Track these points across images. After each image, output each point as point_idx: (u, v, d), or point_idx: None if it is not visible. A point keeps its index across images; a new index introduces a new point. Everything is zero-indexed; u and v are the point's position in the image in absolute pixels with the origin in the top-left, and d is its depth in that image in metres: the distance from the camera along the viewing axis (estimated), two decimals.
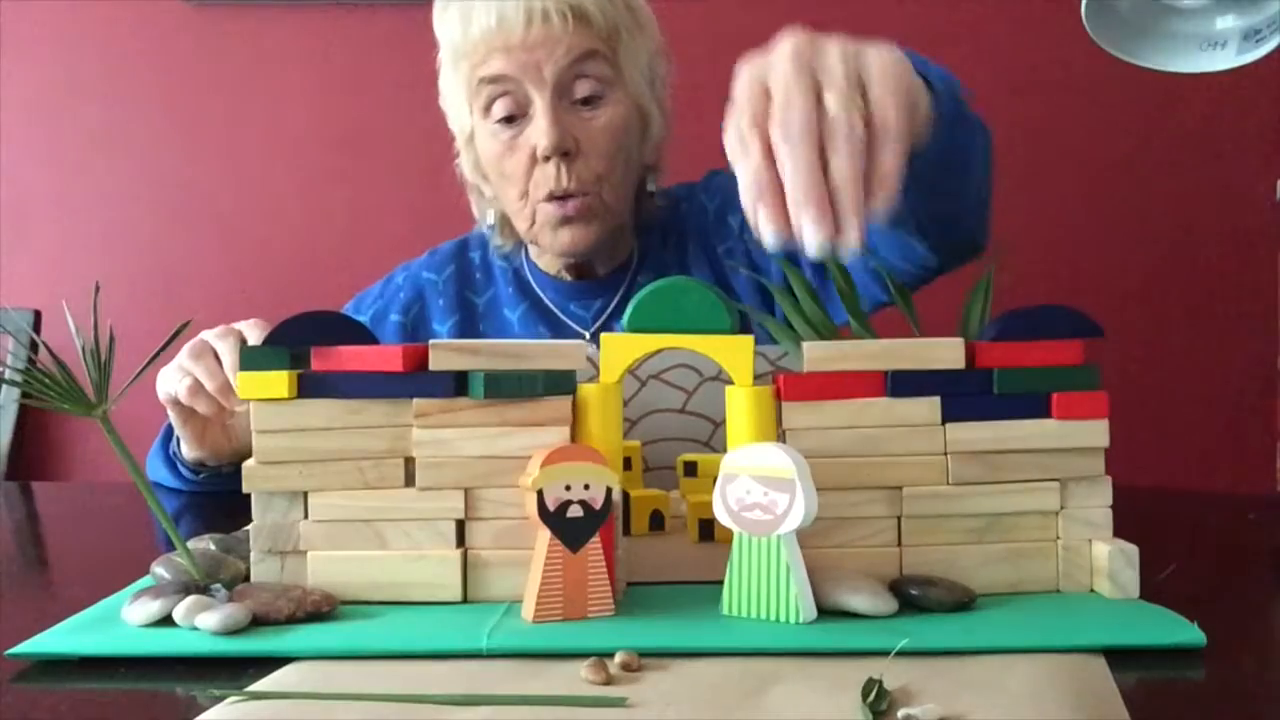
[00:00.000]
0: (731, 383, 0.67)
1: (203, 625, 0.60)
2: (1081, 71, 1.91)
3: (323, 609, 0.63)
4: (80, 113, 2.01)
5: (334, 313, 0.69)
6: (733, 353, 0.67)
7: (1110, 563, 0.65)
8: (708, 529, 0.81)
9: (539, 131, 1.11)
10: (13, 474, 1.84)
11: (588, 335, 1.23)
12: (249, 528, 0.67)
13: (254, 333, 1.02)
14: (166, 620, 0.61)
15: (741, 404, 0.66)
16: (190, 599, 0.62)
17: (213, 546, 0.71)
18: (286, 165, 2.00)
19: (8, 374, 0.68)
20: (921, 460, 0.67)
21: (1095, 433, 0.67)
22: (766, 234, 0.62)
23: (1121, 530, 0.68)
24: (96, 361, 0.63)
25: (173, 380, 1.03)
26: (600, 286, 1.24)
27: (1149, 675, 0.56)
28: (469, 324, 1.26)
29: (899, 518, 0.67)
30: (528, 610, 0.62)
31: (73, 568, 0.88)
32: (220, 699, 0.52)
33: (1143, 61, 0.83)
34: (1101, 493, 0.68)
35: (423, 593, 0.66)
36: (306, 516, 0.66)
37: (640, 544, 0.81)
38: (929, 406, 0.67)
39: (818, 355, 0.67)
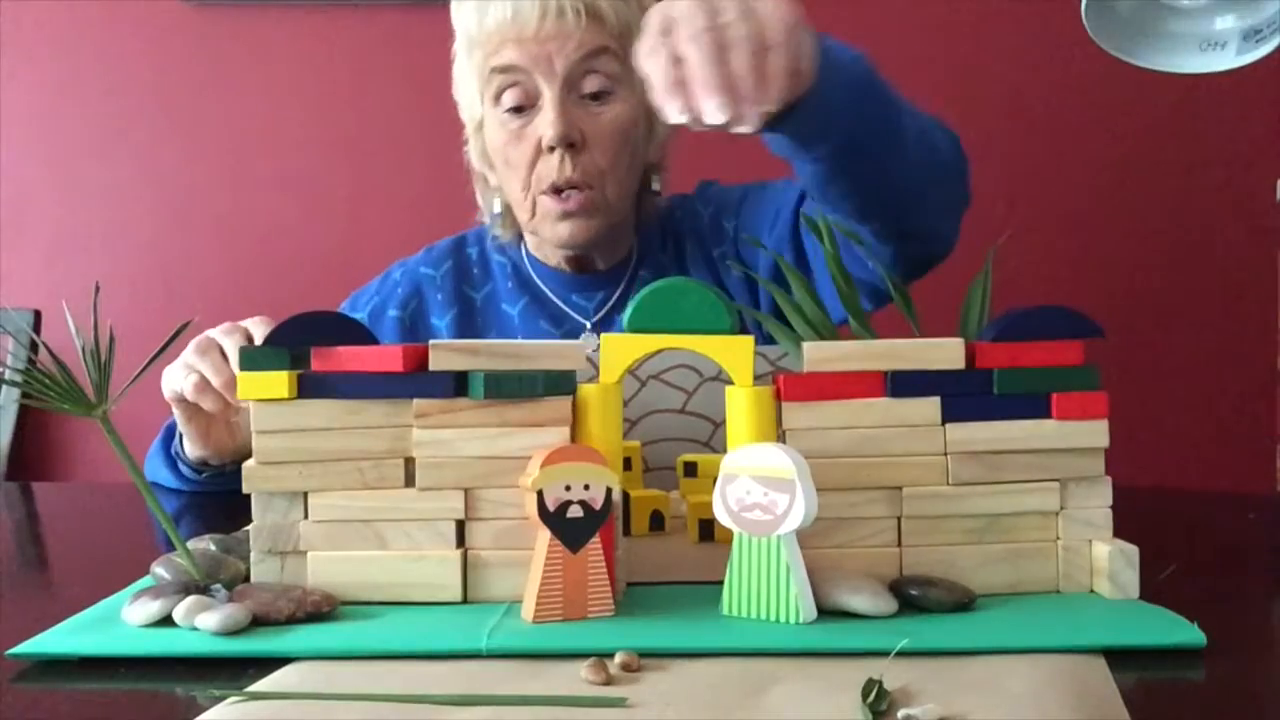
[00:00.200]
0: (731, 383, 0.67)
1: (203, 625, 0.60)
2: (1081, 71, 1.91)
3: (323, 609, 0.63)
4: (80, 113, 2.01)
5: (334, 313, 0.69)
6: (733, 353, 0.67)
7: (1110, 563, 0.65)
8: (708, 529, 0.81)
9: (546, 122, 1.12)
10: (13, 474, 1.84)
11: (589, 325, 1.24)
12: (249, 528, 0.67)
13: (259, 329, 1.03)
14: (166, 620, 0.61)
15: (741, 404, 0.66)
16: (190, 599, 0.62)
17: (213, 547, 0.71)
18: (286, 165, 2.00)
19: (8, 374, 0.68)
20: (921, 460, 0.67)
21: (1095, 433, 0.67)
22: (674, 115, 0.76)
23: (1121, 530, 0.68)
24: (96, 361, 0.63)
25: (178, 377, 1.03)
26: (602, 279, 1.25)
27: (1149, 675, 0.56)
28: (467, 319, 1.27)
29: (899, 518, 0.67)
30: (528, 610, 0.62)
31: (73, 568, 0.88)
32: (220, 699, 0.52)
33: (1143, 61, 0.83)
34: (1101, 493, 0.68)
35: (423, 593, 0.66)
36: (306, 517, 0.66)
37: (640, 544, 0.81)
38: (929, 407, 0.67)
39: (818, 355, 0.67)
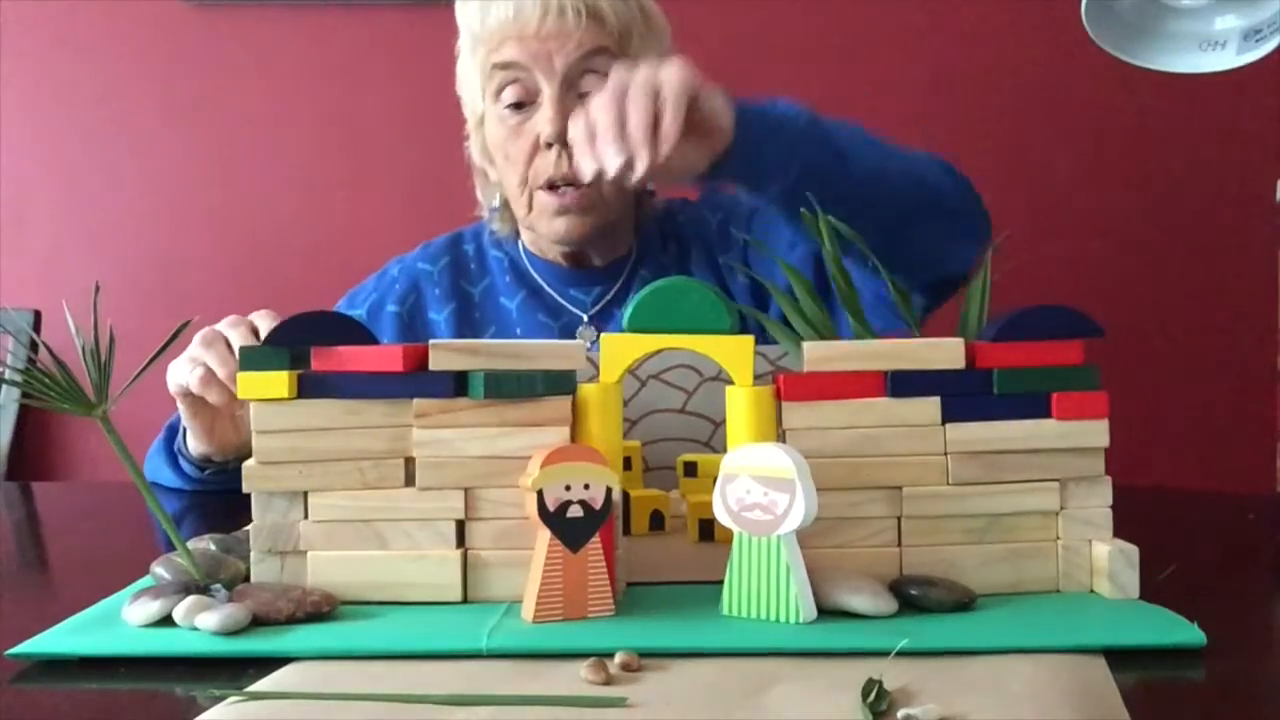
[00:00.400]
0: (731, 383, 0.67)
1: (203, 625, 0.60)
2: (1081, 71, 1.90)
3: (323, 609, 0.63)
4: (80, 113, 2.00)
5: (334, 313, 0.69)
6: (733, 353, 0.67)
7: (1110, 563, 0.65)
8: (708, 529, 0.81)
9: (544, 119, 1.14)
10: (13, 474, 1.84)
11: (586, 318, 1.25)
12: (249, 528, 0.67)
13: (264, 322, 1.03)
14: (166, 620, 0.61)
15: (741, 404, 0.66)
16: (190, 599, 0.62)
17: (213, 546, 0.71)
18: (286, 165, 2.00)
19: (8, 374, 0.68)
20: (921, 460, 0.67)
21: (1095, 433, 0.67)
22: (585, 165, 0.90)
23: (1121, 530, 0.68)
24: (96, 361, 0.63)
25: (183, 371, 1.03)
26: (599, 275, 1.26)
27: (1149, 675, 0.56)
28: (465, 313, 1.27)
29: (899, 518, 0.67)
30: (528, 610, 0.62)
31: (73, 568, 0.88)
32: (220, 699, 0.52)
33: (1143, 61, 0.83)
34: (1101, 493, 0.68)
35: (423, 593, 0.66)
36: (306, 516, 0.66)
37: (640, 544, 0.81)
38: (929, 406, 0.67)
39: (818, 355, 0.67)
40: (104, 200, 2.01)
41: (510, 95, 1.16)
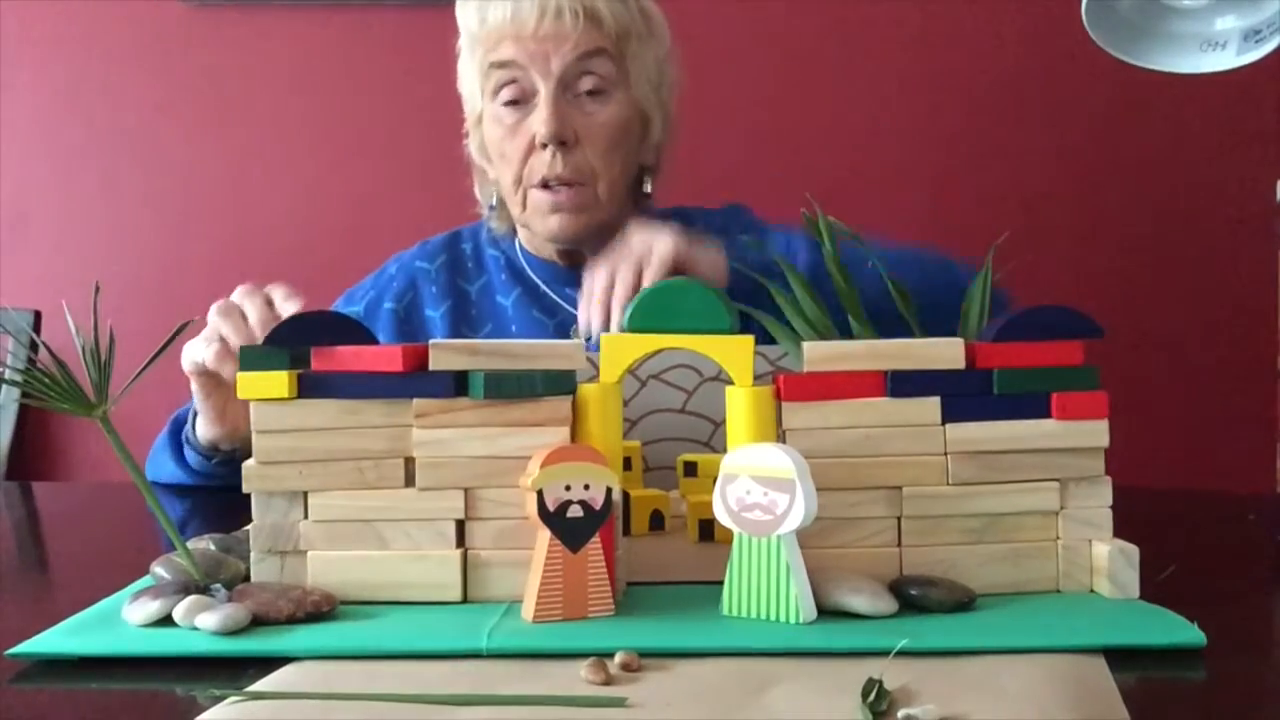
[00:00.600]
0: (731, 383, 0.67)
1: (203, 625, 0.60)
2: (1081, 71, 1.90)
3: (323, 609, 0.63)
4: (80, 113, 2.00)
5: (334, 313, 0.69)
6: (732, 353, 0.67)
7: (1110, 563, 0.65)
8: (708, 529, 0.81)
9: (540, 120, 1.15)
10: (13, 474, 1.83)
11: None
12: (249, 528, 0.67)
13: (279, 293, 1.04)
14: (166, 620, 0.62)
15: (741, 404, 0.66)
16: (190, 599, 0.62)
17: (213, 546, 0.71)
18: (286, 165, 2.00)
19: (8, 374, 0.68)
20: (921, 460, 0.67)
21: (1095, 433, 0.67)
22: (581, 319, 1.03)
23: (1121, 530, 0.68)
24: (96, 361, 0.63)
25: (199, 348, 1.03)
26: None
27: (1149, 675, 0.56)
28: (461, 311, 1.28)
29: (899, 518, 0.67)
30: (528, 610, 0.62)
31: (73, 568, 0.88)
32: (220, 699, 0.52)
33: (1143, 61, 0.83)
34: (1101, 493, 0.68)
35: (423, 593, 0.66)
36: (306, 517, 0.66)
37: (640, 544, 0.81)
38: (929, 407, 0.67)
39: (818, 355, 0.67)
40: (104, 200, 2.01)
41: (507, 94, 1.17)
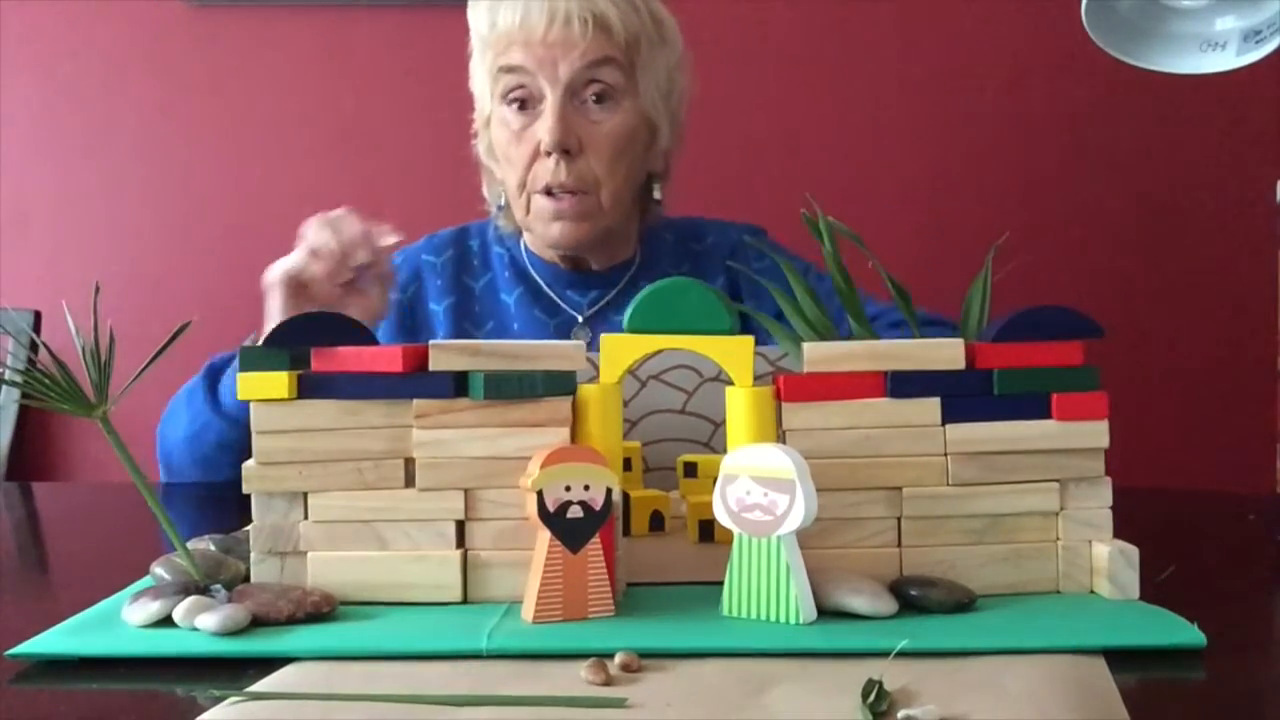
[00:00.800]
0: (731, 383, 0.67)
1: (203, 626, 0.60)
2: (1081, 72, 1.90)
3: (323, 609, 0.63)
4: (80, 113, 2.00)
5: (334, 313, 0.69)
6: (732, 353, 0.67)
7: (1110, 563, 0.65)
8: (708, 530, 0.81)
9: (545, 127, 1.15)
10: (13, 474, 1.83)
11: (581, 319, 1.26)
12: (249, 528, 0.67)
13: (384, 227, 1.07)
14: (166, 621, 0.61)
15: (741, 405, 0.66)
16: (190, 599, 0.62)
17: (213, 547, 0.71)
18: (286, 165, 2.00)
19: (8, 374, 0.68)
20: (921, 461, 0.67)
21: (1095, 433, 0.67)
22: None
23: (1121, 530, 0.68)
24: (96, 361, 0.63)
25: (291, 256, 1.04)
26: (596, 278, 1.27)
27: (1149, 675, 0.56)
28: (464, 307, 1.28)
29: (899, 519, 0.67)
30: (528, 611, 0.62)
31: (73, 568, 0.88)
32: (220, 699, 0.52)
33: (1143, 62, 0.83)
34: (1101, 493, 0.68)
35: (423, 593, 0.66)
36: (306, 517, 0.66)
37: (640, 544, 0.81)
38: (929, 407, 0.67)
39: (818, 356, 0.67)
40: (104, 200, 2.01)
41: (515, 98, 1.17)
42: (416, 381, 0.66)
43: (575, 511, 0.63)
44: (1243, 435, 1.95)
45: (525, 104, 1.17)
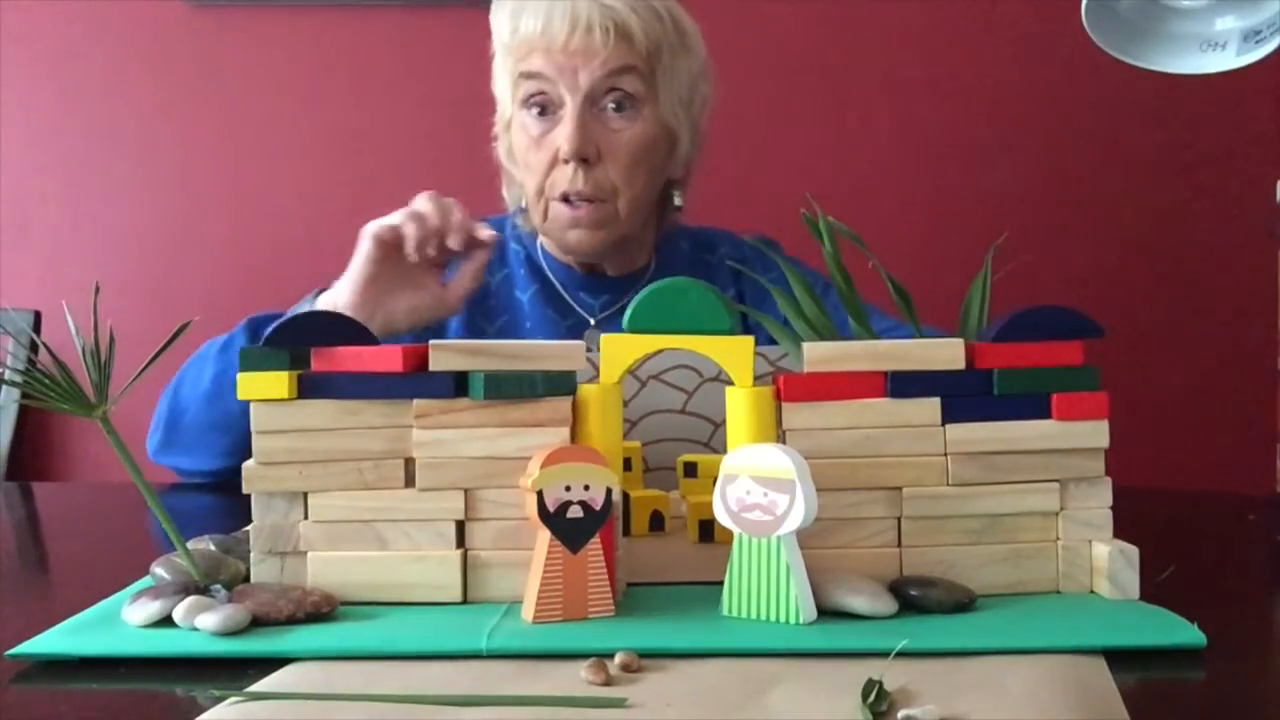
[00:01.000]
0: (731, 383, 0.67)
1: (203, 626, 0.60)
2: (1081, 72, 1.91)
3: (323, 609, 0.63)
4: (80, 113, 2.00)
5: (334, 313, 0.69)
6: (732, 353, 0.67)
7: (1110, 563, 0.65)
8: (708, 530, 0.81)
9: (563, 135, 1.15)
10: (13, 474, 1.83)
11: (593, 322, 1.26)
12: (249, 528, 0.67)
13: (480, 223, 1.09)
14: (166, 621, 0.61)
15: (741, 405, 0.66)
16: (190, 599, 0.62)
17: (213, 547, 0.71)
18: (286, 165, 2.00)
19: (8, 374, 0.68)
20: (921, 461, 0.67)
21: (1095, 433, 0.67)
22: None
23: (1121, 530, 0.68)
24: (96, 361, 0.63)
25: (392, 215, 1.06)
26: (611, 282, 1.27)
27: (1149, 675, 0.56)
28: (479, 300, 1.28)
29: (899, 519, 0.67)
30: (528, 611, 0.62)
31: (73, 568, 0.88)
32: (220, 699, 0.52)
33: (1143, 62, 0.83)
34: (1101, 493, 0.68)
35: (423, 593, 0.66)
36: (306, 517, 0.66)
37: (640, 545, 0.81)
38: (929, 407, 0.67)
39: (818, 356, 0.67)
40: (104, 200, 2.01)
41: (535, 104, 1.17)
42: (416, 381, 0.66)
43: (575, 511, 0.63)
44: (1243, 435, 1.95)
45: (545, 110, 1.17)
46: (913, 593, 0.63)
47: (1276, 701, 0.55)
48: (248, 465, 0.67)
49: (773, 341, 0.82)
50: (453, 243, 1.07)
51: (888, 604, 0.62)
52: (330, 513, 0.66)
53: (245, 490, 0.66)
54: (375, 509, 0.66)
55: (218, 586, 0.64)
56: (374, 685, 0.53)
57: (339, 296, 1.09)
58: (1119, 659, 0.56)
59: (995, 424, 0.67)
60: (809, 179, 1.77)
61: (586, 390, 0.67)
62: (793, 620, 0.61)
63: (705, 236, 1.33)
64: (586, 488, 0.63)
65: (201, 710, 0.51)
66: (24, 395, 0.64)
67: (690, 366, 0.99)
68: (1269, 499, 1.45)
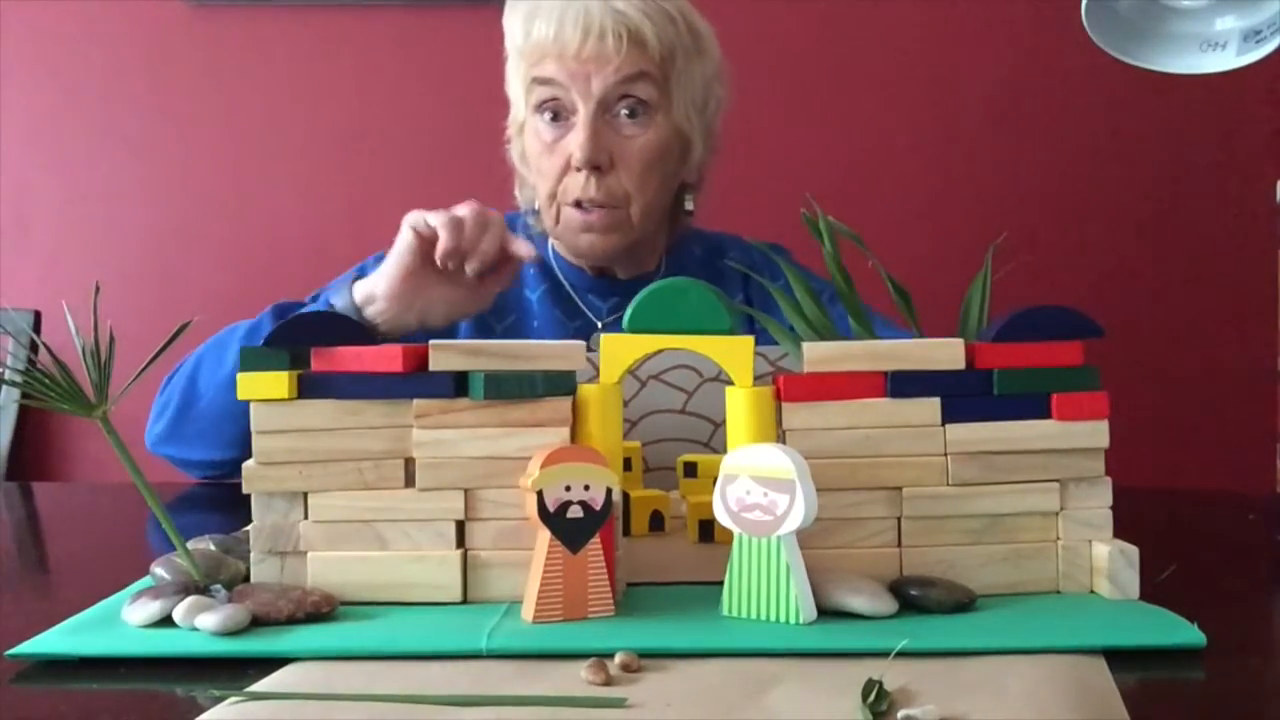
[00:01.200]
0: (731, 383, 0.67)
1: (203, 626, 0.60)
2: (1082, 72, 1.90)
3: (323, 609, 0.63)
4: (80, 113, 2.00)
5: (334, 313, 0.69)
6: (732, 353, 0.67)
7: (1110, 563, 0.65)
8: (708, 530, 0.81)
9: (576, 143, 1.15)
10: (13, 474, 1.83)
11: (601, 325, 1.26)
12: (249, 528, 0.67)
13: (521, 238, 1.07)
14: (166, 621, 0.61)
15: (741, 405, 0.66)
16: (190, 599, 0.62)
17: (213, 547, 0.71)
18: (286, 165, 2.00)
19: (8, 374, 0.68)
20: (921, 461, 0.67)
21: (1095, 433, 0.67)
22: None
23: (1121, 530, 0.68)
24: (96, 361, 0.63)
25: (436, 213, 1.04)
26: (620, 285, 1.27)
27: (1149, 675, 0.56)
28: None
29: (899, 518, 0.67)
30: (528, 611, 0.62)
31: (73, 568, 0.88)
32: (220, 699, 0.52)
33: (1143, 62, 0.83)
34: (1101, 493, 0.68)
35: (423, 593, 0.66)
36: (306, 517, 0.66)
37: (640, 544, 0.81)
38: (929, 407, 0.67)
39: (818, 355, 0.67)
40: (104, 200, 2.01)
41: (548, 109, 1.17)
42: (416, 381, 0.66)
43: (575, 511, 0.63)
44: (1243, 435, 1.95)
45: (557, 116, 1.17)
46: (913, 593, 0.63)
47: (1276, 701, 0.55)
48: (248, 465, 0.67)
49: (774, 342, 0.82)
50: (470, 269, 1.05)
51: (888, 604, 0.62)
52: (330, 513, 0.66)
53: (245, 490, 0.66)
54: (375, 509, 0.66)
55: (218, 586, 0.64)
56: (374, 685, 0.53)
57: (376, 286, 1.08)
58: (1119, 659, 0.56)
59: (995, 424, 0.67)
60: (809, 178, 1.77)
61: (586, 390, 0.67)
62: (793, 620, 0.61)
63: (716, 241, 1.33)
64: (586, 488, 0.63)
65: (201, 710, 0.51)
66: (24, 395, 0.64)
67: (690, 366, 0.99)
68: (1269, 499, 1.45)
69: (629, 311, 0.67)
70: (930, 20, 1.96)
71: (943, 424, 0.67)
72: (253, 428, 0.66)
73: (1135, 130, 1.97)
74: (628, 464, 0.87)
